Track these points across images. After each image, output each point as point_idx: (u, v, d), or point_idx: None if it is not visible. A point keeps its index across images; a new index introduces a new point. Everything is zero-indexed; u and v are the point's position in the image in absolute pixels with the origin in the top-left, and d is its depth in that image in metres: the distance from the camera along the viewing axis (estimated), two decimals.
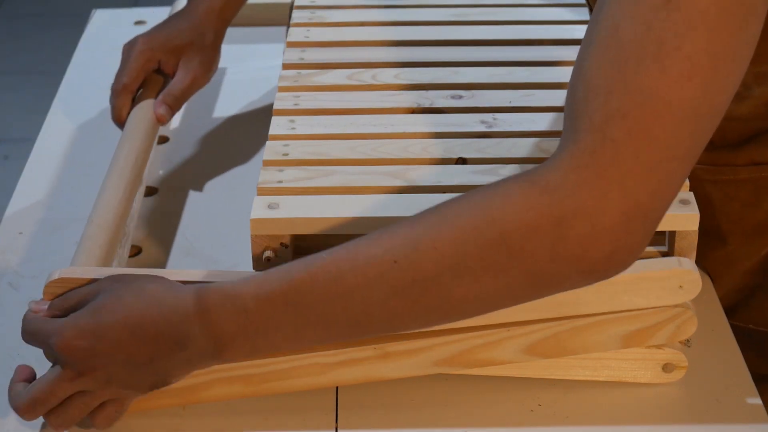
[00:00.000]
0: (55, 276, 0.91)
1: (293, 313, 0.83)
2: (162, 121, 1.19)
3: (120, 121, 1.19)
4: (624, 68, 0.77)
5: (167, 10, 1.47)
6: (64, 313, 0.88)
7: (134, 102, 1.20)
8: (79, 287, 0.90)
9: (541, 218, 0.79)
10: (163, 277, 0.88)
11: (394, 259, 0.82)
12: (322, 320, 0.84)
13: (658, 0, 0.76)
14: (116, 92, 1.20)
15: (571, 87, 0.81)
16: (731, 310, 1.05)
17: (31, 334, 0.89)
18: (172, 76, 1.22)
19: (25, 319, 0.90)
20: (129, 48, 1.22)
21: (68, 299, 0.89)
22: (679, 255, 0.93)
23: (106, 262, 0.98)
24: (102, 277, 0.89)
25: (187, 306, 0.85)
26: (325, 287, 0.83)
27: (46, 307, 0.90)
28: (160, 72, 1.23)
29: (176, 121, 1.34)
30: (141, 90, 1.21)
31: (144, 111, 1.18)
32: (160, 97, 1.20)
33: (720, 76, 0.78)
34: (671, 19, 0.76)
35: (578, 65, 0.81)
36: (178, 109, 1.21)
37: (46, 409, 0.88)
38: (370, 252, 0.83)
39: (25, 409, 0.88)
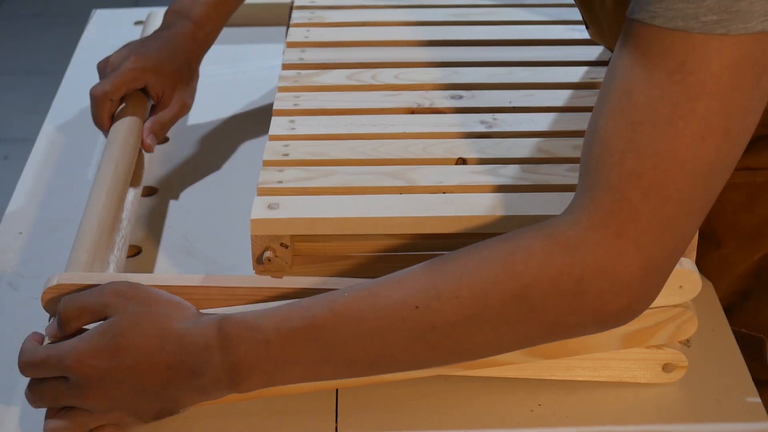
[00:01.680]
0: (54, 282, 0.91)
1: (313, 349, 0.85)
2: (149, 150, 1.18)
3: (103, 128, 1.18)
4: (639, 130, 0.79)
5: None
6: (68, 333, 0.88)
7: (117, 114, 1.19)
8: (74, 295, 0.89)
9: (562, 275, 0.81)
10: (180, 304, 0.88)
11: (416, 305, 0.84)
12: (342, 358, 0.85)
13: (671, 64, 0.78)
14: (95, 98, 1.18)
15: (587, 145, 0.83)
16: (725, 314, 1.06)
17: (39, 364, 0.87)
18: (155, 99, 1.21)
19: (24, 351, 0.88)
20: (121, 61, 1.21)
21: (67, 310, 0.88)
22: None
23: (98, 267, 0.98)
24: (102, 285, 0.88)
25: (208, 336, 0.85)
26: (347, 327, 0.84)
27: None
28: (144, 92, 1.22)
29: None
30: (123, 104, 1.20)
31: (130, 125, 1.17)
32: (150, 124, 1.19)
33: (733, 135, 0.79)
34: (685, 83, 0.78)
35: (593, 123, 0.83)
36: (162, 137, 1.22)
37: (42, 403, 0.88)
38: (392, 296, 0.84)
39: (24, 372, 0.88)
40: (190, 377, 0.86)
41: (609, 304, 0.82)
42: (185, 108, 1.23)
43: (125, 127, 1.16)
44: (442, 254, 0.86)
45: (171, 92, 1.21)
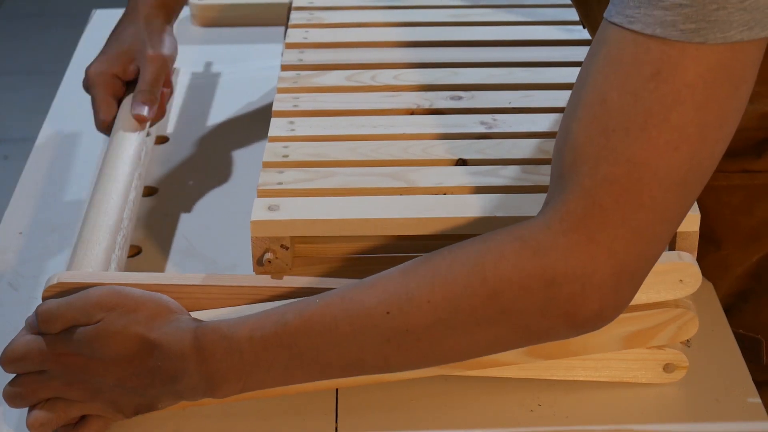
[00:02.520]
0: (54, 281, 0.91)
1: (286, 356, 0.85)
2: (142, 119, 1.17)
3: (110, 113, 1.19)
4: (612, 137, 0.79)
5: None
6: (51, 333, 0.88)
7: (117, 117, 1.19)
8: (55, 304, 0.88)
9: (532, 279, 0.81)
10: (160, 307, 0.88)
11: (387, 310, 0.83)
12: (315, 363, 0.86)
13: (647, 72, 0.77)
14: (100, 129, 1.19)
15: (559, 148, 0.83)
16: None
17: (20, 359, 0.88)
18: (134, 77, 1.21)
19: (6, 350, 0.89)
20: (87, 85, 1.21)
21: (49, 322, 0.88)
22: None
23: (101, 266, 0.98)
24: (87, 292, 0.88)
25: (184, 344, 0.86)
26: (319, 334, 0.84)
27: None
28: (129, 83, 1.22)
29: (176, 121, 1.34)
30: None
31: (125, 112, 1.18)
32: (132, 100, 1.19)
33: (708, 144, 0.79)
34: (659, 91, 0.77)
35: (565, 128, 0.82)
36: (155, 101, 1.19)
37: (26, 401, 0.89)
38: (364, 302, 0.84)
39: (6, 367, 0.89)
40: (166, 382, 0.86)
41: (581, 309, 0.82)
42: (159, 60, 1.21)
43: (127, 123, 1.17)
44: (418, 256, 0.86)
45: (136, 62, 1.21)
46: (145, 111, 1.18)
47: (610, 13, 0.79)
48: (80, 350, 0.87)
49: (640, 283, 0.84)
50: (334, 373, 0.87)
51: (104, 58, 1.21)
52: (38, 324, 0.88)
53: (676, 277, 0.90)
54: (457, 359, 0.87)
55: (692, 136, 0.78)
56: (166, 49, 1.23)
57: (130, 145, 1.14)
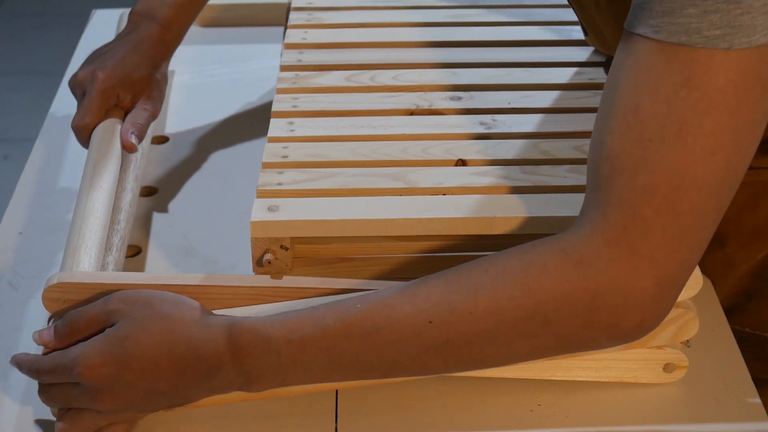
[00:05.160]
0: (54, 281, 0.91)
1: (325, 358, 0.85)
2: (132, 150, 1.14)
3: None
4: (648, 147, 0.79)
5: None
6: (75, 340, 0.88)
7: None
8: (81, 308, 0.89)
9: (576, 292, 0.82)
10: (185, 303, 0.88)
11: (430, 320, 0.84)
12: (354, 366, 0.86)
13: (677, 79, 0.78)
14: (79, 130, 1.16)
15: (593, 162, 0.83)
16: (728, 314, 1.06)
17: (49, 372, 0.88)
18: (126, 110, 1.19)
19: (28, 360, 0.89)
20: (88, 82, 1.18)
21: (75, 323, 0.88)
22: None
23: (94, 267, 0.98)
24: (107, 296, 0.89)
25: (218, 343, 0.86)
26: (359, 339, 0.85)
27: (53, 333, 0.89)
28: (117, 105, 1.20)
29: (176, 121, 1.34)
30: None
31: (109, 126, 1.16)
32: (128, 125, 1.16)
33: (742, 148, 0.80)
34: (692, 97, 0.78)
35: (598, 140, 0.82)
36: (143, 136, 1.17)
37: (55, 404, 0.89)
38: (405, 310, 0.85)
39: (44, 399, 0.89)
40: (201, 380, 0.86)
41: (623, 320, 0.82)
42: (157, 112, 1.21)
43: (106, 129, 1.15)
44: (458, 265, 0.86)
45: (140, 97, 1.19)
46: (137, 142, 1.15)
47: (632, 24, 0.80)
48: (107, 355, 0.86)
49: (680, 291, 0.84)
50: (372, 375, 0.88)
51: (115, 76, 1.17)
52: (67, 329, 0.88)
53: None
54: (494, 366, 0.88)
55: (727, 141, 0.79)
56: (161, 105, 1.22)
57: (115, 149, 1.13)
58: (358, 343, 0.85)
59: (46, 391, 0.89)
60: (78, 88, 1.19)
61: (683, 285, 0.84)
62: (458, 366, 0.87)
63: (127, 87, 1.18)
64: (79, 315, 0.89)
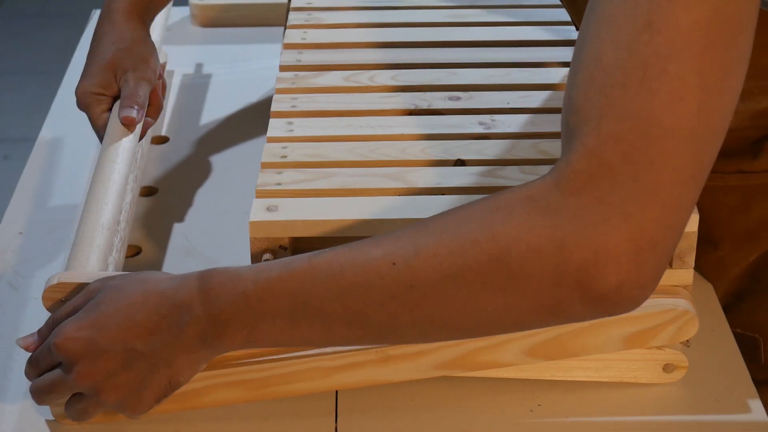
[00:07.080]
0: (54, 281, 0.91)
1: (290, 302, 0.84)
2: (131, 121, 1.13)
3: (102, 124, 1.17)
4: (611, 93, 0.76)
5: (167, 10, 1.46)
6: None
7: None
8: (67, 304, 0.90)
9: (542, 239, 0.78)
10: (159, 271, 0.90)
11: (393, 261, 0.82)
12: (319, 315, 0.84)
13: (638, 24, 0.75)
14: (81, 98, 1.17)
15: (563, 119, 0.80)
16: None
17: (36, 358, 0.89)
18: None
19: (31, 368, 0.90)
20: (79, 106, 1.18)
21: (58, 314, 0.89)
22: (679, 256, 0.93)
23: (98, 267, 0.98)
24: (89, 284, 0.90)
25: (191, 287, 0.86)
26: (325, 281, 0.83)
27: (36, 336, 0.90)
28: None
29: (175, 121, 1.34)
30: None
31: (114, 118, 1.17)
32: (121, 106, 1.15)
33: (713, 95, 0.76)
34: (654, 42, 0.75)
35: (567, 97, 0.80)
36: (142, 104, 1.15)
37: (45, 395, 0.89)
38: (371, 252, 0.83)
39: (32, 394, 0.90)
40: (173, 332, 0.85)
41: (596, 280, 0.77)
42: (140, 68, 1.18)
43: (117, 127, 1.16)
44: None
45: (123, 73, 1.18)
46: (133, 113, 1.14)
47: None
48: (82, 320, 0.86)
49: (666, 257, 0.78)
50: (338, 332, 0.85)
51: (87, 78, 1.17)
52: (47, 325, 0.89)
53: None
54: (468, 330, 0.84)
55: (695, 86, 0.75)
56: (145, 53, 1.20)
57: (121, 147, 1.13)
58: (323, 285, 0.83)
59: (34, 383, 0.89)
60: (82, 109, 1.18)
61: (667, 249, 0.78)
62: (426, 323, 0.83)
63: (104, 82, 1.16)
64: (61, 310, 0.89)
